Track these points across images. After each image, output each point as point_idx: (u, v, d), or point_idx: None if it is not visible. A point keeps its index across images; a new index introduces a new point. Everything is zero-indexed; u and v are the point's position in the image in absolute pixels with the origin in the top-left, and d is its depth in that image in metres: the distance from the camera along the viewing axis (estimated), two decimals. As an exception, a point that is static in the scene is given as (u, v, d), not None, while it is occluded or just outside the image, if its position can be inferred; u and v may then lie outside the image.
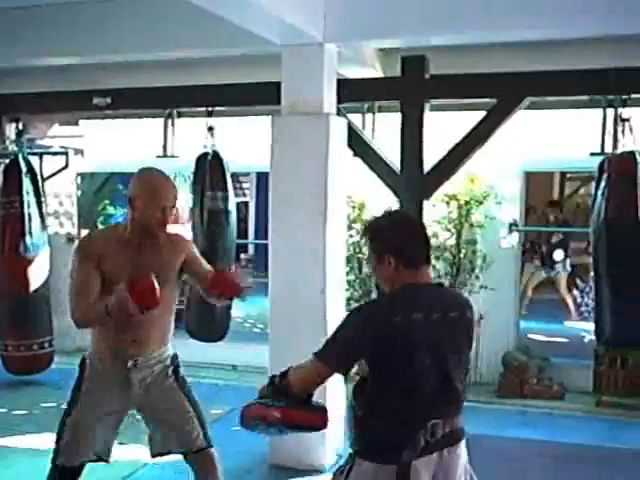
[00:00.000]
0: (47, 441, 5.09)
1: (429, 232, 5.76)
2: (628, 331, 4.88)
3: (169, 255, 3.15)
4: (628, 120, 4.82)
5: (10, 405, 5.99)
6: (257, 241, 9.77)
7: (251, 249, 11.35)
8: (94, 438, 3.21)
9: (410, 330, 2.35)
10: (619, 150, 4.91)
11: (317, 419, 2.58)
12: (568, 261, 9.02)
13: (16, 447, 5.08)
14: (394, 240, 2.48)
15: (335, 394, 4.82)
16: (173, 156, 6.15)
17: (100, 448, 3.24)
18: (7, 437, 5.25)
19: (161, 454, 3.39)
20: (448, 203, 6.34)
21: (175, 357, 3.36)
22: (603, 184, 4.82)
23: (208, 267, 3.26)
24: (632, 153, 4.77)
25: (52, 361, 6.73)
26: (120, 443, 5.02)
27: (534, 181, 9.01)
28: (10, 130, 7.11)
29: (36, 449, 5.01)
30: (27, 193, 6.45)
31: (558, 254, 8.90)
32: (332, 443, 4.81)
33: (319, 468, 4.69)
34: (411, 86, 4.96)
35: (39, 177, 6.75)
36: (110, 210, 9.55)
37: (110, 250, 3.01)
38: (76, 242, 2.42)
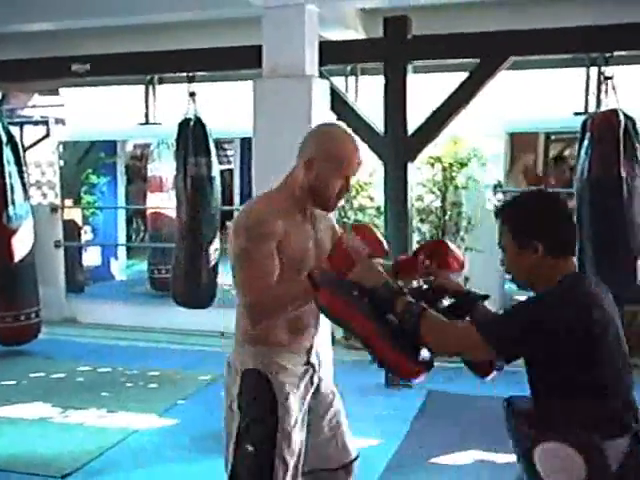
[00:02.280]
0: (37, 411, 5.15)
1: (414, 194, 5.80)
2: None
3: (330, 231, 2.61)
4: (611, 78, 4.79)
5: (-1, 376, 5.99)
6: (243, 208, 9.82)
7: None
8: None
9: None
10: (602, 109, 4.89)
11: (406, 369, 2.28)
12: None
13: (6, 417, 5.09)
14: (545, 223, 2.19)
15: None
16: (155, 123, 6.08)
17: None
18: (-4, 407, 5.27)
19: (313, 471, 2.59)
20: (433, 165, 6.32)
21: None
22: (586, 143, 4.81)
23: None
24: (615, 111, 4.75)
25: (39, 331, 6.72)
26: (109, 411, 5.12)
27: (518, 142, 9.00)
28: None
29: (26, 419, 5.03)
30: (8, 163, 6.37)
31: None
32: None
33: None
34: (393, 47, 4.91)
35: (20, 147, 6.67)
36: (93, 179, 9.47)
37: (292, 227, 2.38)
38: (238, 220, 2.16)
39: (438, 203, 6.45)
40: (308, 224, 2.47)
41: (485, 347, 2.14)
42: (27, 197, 6.70)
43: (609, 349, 2.13)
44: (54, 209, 7.89)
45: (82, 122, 8.02)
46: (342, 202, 2.52)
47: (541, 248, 2.15)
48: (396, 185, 5.18)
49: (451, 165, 6.30)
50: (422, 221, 6.37)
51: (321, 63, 4.82)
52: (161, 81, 5.98)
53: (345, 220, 6.60)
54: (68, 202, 8.68)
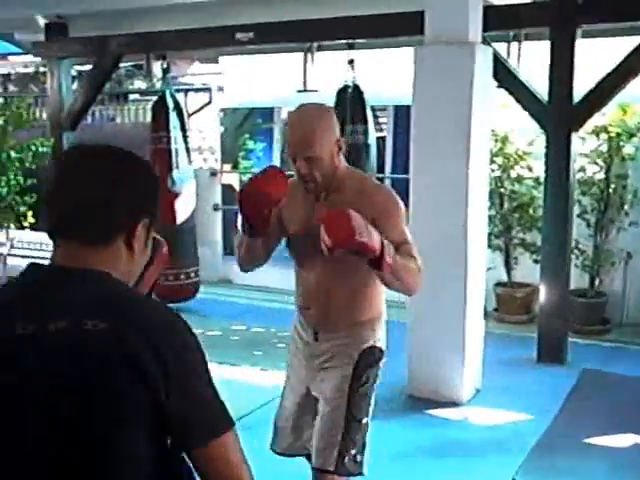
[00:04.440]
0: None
1: (576, 166, 5.57)
2: None
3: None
4: None
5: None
6: (394, 175, 9.73)
7: (387, 184, 11.29)
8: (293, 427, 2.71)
9: None
10: None
11: None
12: None
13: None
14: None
15: (474, 327, 4.80)
16: (312, 90, 6.16)
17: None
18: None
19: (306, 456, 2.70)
20: (598, 135, 6.03)
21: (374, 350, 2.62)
22: None
23: (403, 239, 2.44)
24: None
25: (198, 290, 7.02)
26: (262, 369, 5.30)
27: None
28: (156, 68, 7.36)
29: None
30: (174, 128, 6.65)
31: None
32: (470, 378, 4.81)
33: (456, 401, 4.71)
34: (562, 11, 4.70)
35: (185, 113, 6.95)
36: (250, 145, 9.75)
37: (292, 197, 2.46)
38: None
39: (601, 175, 6.16)
40: (309, 201, 2.52)
41: None
42: (190, 162, 6.98)
43: None
44: (213, 173, 8.18)
45: (241, 89, 8.24)
46: (312, 185, 2.45)
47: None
48: (558, 156, 4.99)
49: (619, 135, 5.98)
50: (583, 194, 6.11)
51: (485, 29, 4.69)
52: (319, 48, 6.04)
53: (502, 190, 6.45)
54: (226, 167, 9.00)
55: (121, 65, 7.76)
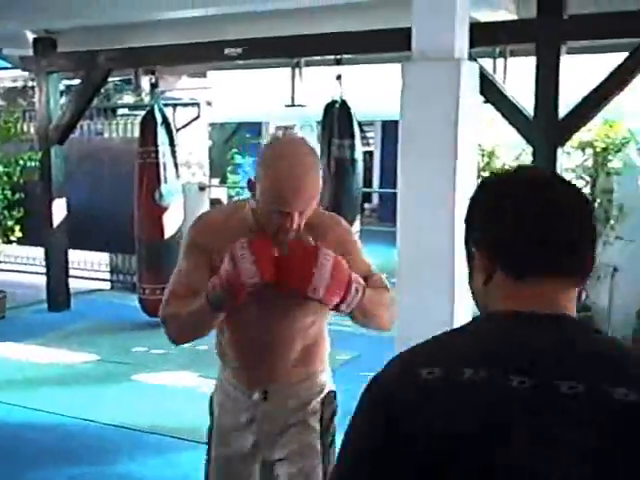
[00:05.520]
0: (183, 379, 5.40)
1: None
2: None
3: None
4: None
5: (149, 345, 6.33)
6: (383, 190, 9.71)
7: (375, 199, 11.32)
8: None
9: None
10: None
11: None
12: None
13: (155, 384, 5.38)
14: (477, 216, 1.22)
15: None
16: (300, 105, 6.19)
17: None
18: (145, 374, 5.57)
19: None
20: (583, 150, 6.07)
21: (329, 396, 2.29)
22: None
23: (368, 270, 2.11)
24: None
25: (185, 305, 6.98)
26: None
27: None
28: (145, 82, 7.37)
29: (173, 386, 5.30)
30: (162, 143, 6.67)
31: None
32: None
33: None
34: (548, 27, 4.73)
35: (173, 127, 6.96)
36: (238, 159, 9.78)
37: (227, 243, 1.94)
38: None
39: (587, 190, 6.20)
40: None
41: None
42: (178, 176, 6.99)
43: None
44: (202, 188, 8.18)
45: (229, 104, 8.26)
46: (292, 234, 1.96)
47: (486, 262, 1.19)
48: (544, 170, 5.02)
49: (604, 150, 6.03)
50: (570, 208, 6.14)
51: (471, 45, 4.71)
52: (307, 63, 6.07)
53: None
54: (214, 181, 9.00)
55: (109, 80, 7.76)
